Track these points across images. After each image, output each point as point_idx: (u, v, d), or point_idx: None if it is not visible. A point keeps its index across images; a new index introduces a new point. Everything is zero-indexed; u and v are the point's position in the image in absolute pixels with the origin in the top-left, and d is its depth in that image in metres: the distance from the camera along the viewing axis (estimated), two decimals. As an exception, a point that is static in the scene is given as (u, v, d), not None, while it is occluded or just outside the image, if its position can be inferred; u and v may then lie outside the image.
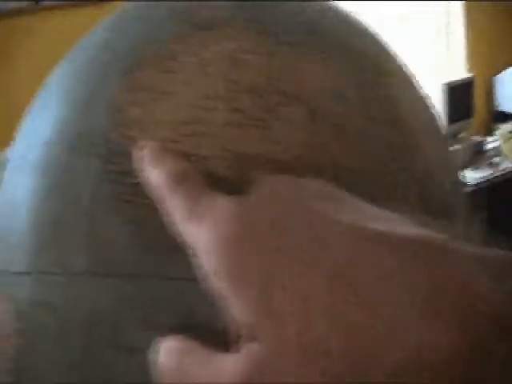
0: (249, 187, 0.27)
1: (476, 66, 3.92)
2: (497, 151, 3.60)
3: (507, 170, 3.46)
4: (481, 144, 3.65)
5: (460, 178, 0.37)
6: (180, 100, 0.30)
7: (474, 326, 0.21)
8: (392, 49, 0.37)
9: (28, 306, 0.31)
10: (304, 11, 0.34)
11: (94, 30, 0.37)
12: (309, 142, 0.29)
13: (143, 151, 0.29)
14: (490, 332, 0.21)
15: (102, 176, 0.30)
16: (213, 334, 0.26)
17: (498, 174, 3.44)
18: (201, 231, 0.25)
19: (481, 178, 3.37)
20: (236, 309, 0.24)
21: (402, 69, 0.37)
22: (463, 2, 3.83)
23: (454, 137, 3.50)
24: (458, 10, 3.82)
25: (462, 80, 3.72)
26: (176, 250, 0.27)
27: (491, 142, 3.67)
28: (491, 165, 3.50)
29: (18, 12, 2.54)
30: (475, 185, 3.30)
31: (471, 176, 3.35)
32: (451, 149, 0.37)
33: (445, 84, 3.59)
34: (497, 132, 3.71)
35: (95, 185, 0.30)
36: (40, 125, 0.34)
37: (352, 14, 0.37)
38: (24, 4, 2.56)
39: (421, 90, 0.37)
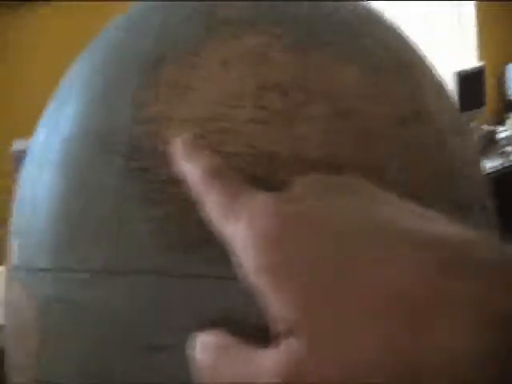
0: (279, 185, 0.27)
1: (487, 54, 3.89)
2: (508, 140, 3.58)
3: (519, 160, 3.45)
4: (492, 133, 3.63)
5: (484, 171, 0.37)
6: (204, 96, 0.30)
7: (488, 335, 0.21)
8: (422, 50, 0.37)
9: (49, 302, 0.31)
10: (337, 11, 0.34)
11: (110, 26, 0.37)
12: (333, 141, 0.29)
13: (175, 146, 0.29)
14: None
15: (125, 173, 0.30)
16: (250, 331, 0.26)
17: (510, 163, 3.42)
18: (240, 227, 0.25)
19: (492, 168, 3.36)
20: (275, 305, 0.24)
21: (432, 71, 0.37)
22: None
23: (465, 126, 3.48)
24: (469, -2, 3.79)
25: (473, 69, 3.70)
26: (199, 248, 0.28)
27: (503, 132, 3.65)
28: (503, 154, 3.48)
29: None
30: (486, 174, 3.28)
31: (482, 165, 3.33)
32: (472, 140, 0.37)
33: (456, 73, 3.57)
34: (508, 121, 3.70)
35: (117, 182, 0.30)
36: (59, 121, 0.34)
37: (385, 15, 0.37)
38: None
39: (446, 90, 0.37)
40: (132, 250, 0.29)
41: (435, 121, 0.33)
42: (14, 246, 0.34)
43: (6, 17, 2.53)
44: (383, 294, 0.22)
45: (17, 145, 2.06)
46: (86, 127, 0.32)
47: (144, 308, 0.28)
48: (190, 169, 0.28)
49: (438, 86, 0.36)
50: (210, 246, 0.27)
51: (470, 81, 3.61)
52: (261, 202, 0.26)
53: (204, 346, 0.26)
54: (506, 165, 3.41)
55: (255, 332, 0.25)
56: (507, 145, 3.56)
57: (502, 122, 3.80)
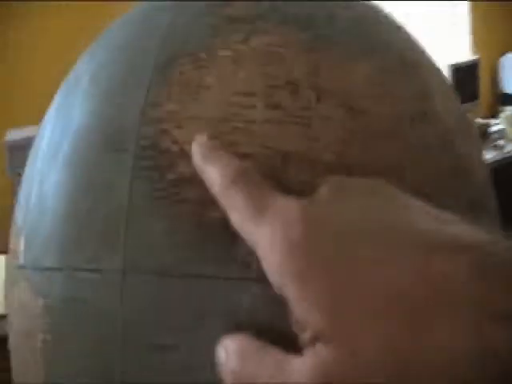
0: (298, 187, 0.27)
1: (481, 47, 3.91)
2: (501, 134, 3.58)
3: (512, 153, 3.48)
4: (486, 126, 3.65)
5: (488, 171, 0.38)
6: (216, 95, 0.30)
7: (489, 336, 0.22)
8: (427, 51, 0.37)
9: (58, 301, 0.31)
10: (346, 11, 0.34)
11: (113, 27, 0.37)
12: (347, 140, 0.29)
13: (195, 146, 0.28)
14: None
15: (135, 172, 0.29)
16: (275, 335, 0.25)
17: (503, 156, 3.44)
18: (264, 230, 0.25)
19: (485, 161, 3.37)
20: (300, 310, 0.23)
21: (438, 71, 0.37)
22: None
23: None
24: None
25: (467, 62, 3.70)
26: (211, 248, 0.28)
27: (496, 125, 3.66)
28: (496, 147, 3.50)
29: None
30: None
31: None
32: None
33: (450, 66, 3.57)
34: (502, 115, 3.70)
35: (128, 181, 0.30)
36: (66, 120, 0.34)
37: (392, 14, 0.37)
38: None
39: (452, 90, 0.37)
40: (143, 250, 0.29)
41: (442, 121, 0.33)
42: (20, 243, 0.34)
43: (5, 17, 2.53)
44: (383, 293, 0.23)
45: (11, 135, 2.06)
46: (94, 126, 0.32)
47: (156, 307, 0.28)
48: (211, 171, 0.28)
49: (445, 87, 0.36)
50: (210, 246, 0.28)
51: (464, 74, 3.62)
52: (286, 206, 0.25)
53: (228, 351, 0.26)
54: (499, 158, 3.43)
55: (281, 336, 0.25)
56: (500, 138, 3.58)
57: (495, 116, 3.81)
